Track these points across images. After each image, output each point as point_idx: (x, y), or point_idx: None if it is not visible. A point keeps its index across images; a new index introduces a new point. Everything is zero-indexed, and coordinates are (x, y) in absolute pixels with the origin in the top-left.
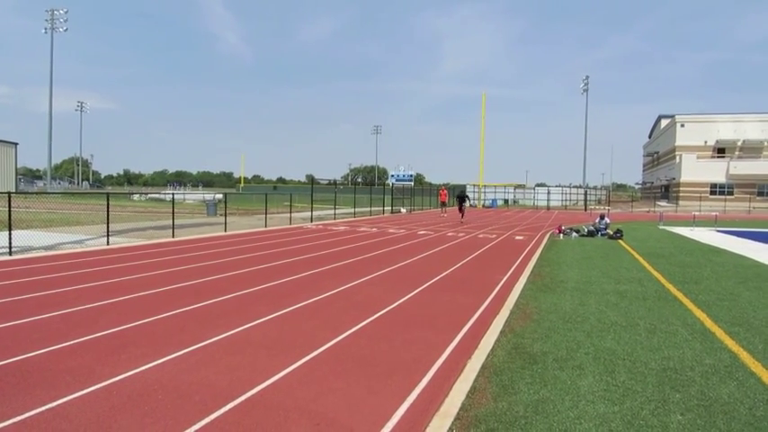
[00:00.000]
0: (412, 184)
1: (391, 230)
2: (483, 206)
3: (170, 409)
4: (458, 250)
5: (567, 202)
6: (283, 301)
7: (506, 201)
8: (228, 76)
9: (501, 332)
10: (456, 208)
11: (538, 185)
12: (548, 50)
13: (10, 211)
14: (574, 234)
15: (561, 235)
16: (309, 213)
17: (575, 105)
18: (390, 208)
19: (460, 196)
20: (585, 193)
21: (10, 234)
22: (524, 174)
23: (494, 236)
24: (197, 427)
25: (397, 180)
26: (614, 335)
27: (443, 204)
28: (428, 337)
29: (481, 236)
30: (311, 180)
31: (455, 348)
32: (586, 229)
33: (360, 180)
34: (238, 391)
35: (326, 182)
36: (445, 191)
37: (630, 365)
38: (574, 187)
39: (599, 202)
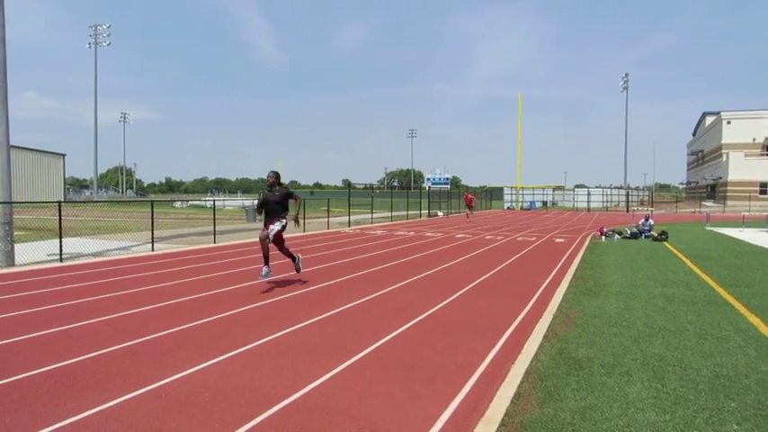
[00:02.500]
0: (448, 187)
1: (428, 234)
2: (521, 208)
3: (217, 411)
4: (496, 254)
5: (608, 204)
6: (324, 305)
7: (545, 203)
8: (265, 83)
9: (544, 337)
10: (472, 211)
11: (577, 187)
12: (584, 49)
13: (60, 219)
14: (616, 236)
15: (603, 237)
16: (347, 218)
17: (614, 104)
18: (427, 211)
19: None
20: (627, 194)
21: (60, 241)
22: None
23: (533, 239)
24: (243, 429)
25: (433, 183)
26: (663, 340)
27: (470, 208)
28: (469, 341)
29: (520, 239)
30: (348, 185)
31: (498, 353)
32: (629, 231)
33: (396, 184)
34: (282, 394)
35: (363, 186)
36: (470, 195)
37: (681, 372)
38: (615, 188)
39: (641, 203)
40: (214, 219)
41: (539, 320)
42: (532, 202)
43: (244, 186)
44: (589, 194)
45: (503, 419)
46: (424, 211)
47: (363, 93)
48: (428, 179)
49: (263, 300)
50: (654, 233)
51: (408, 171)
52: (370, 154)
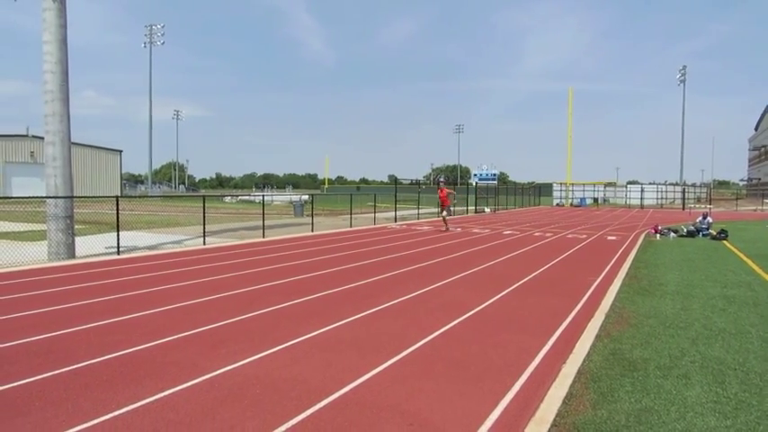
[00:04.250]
0: (496, 183)
1: (475, 230)
2: (571, 205)
3: (268, 403)
4: (546, 251)
5: (663, 201)
6: (371, 300)
7: (596, 199)
8: (313, 80)
9: (597, 337)
10: (449, 213)
11: (630, 183)
12: (637, 42)
13: (118, 213)
14: (672, 234)
15: (658, 235)
16: (393, 213)
17: (669, 98)
18: (474, 207)
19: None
20: (684, 191)
21: (118, 235)
22: (615, 171)
23: (584, 236)
24: (294, 422)
25: (480, 179)
26: (723, 343)
27: (445, 209)
28: (519, 340)
29: (570, 236)
30: (394, 180)
31: (548, 352)
32: (686, 229)
33: (442, 180)
34: (332, 388)
35: (409, 182)
36: (446, 190)
37: (743, 376)
38: (670, 185)
39: (698, 200)
40: (263, 214)
41: (590, 320)
42: (583, 199)
43: (291, 181)
44: (642, 191)
45: (554, 420)
46: (471, 208)
47: (410, 88)
48: (475, 175)
49: (311, 294)
50: (712, 231)
51: (455, 167)
52: (417, 149)
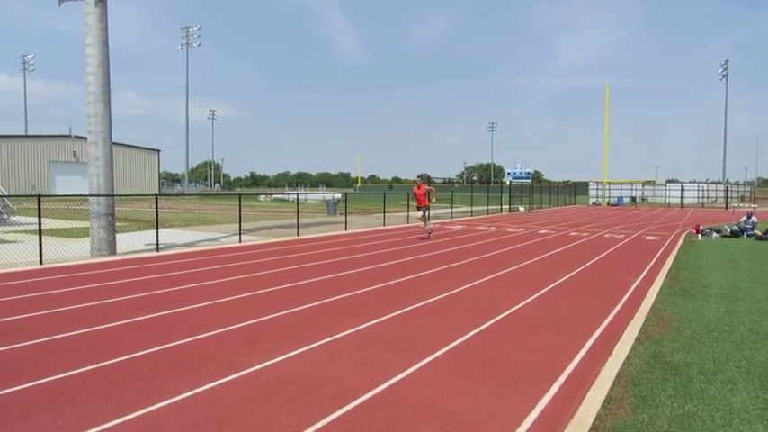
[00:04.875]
0: (530, 181)
1: (510, 229)
2: (608, 204)
3: (304, 399)
4: (583, 251)
5: (704, 200)
6: (405, 299)
7: (633, 198)
8: (345, 79)
9: (636, 339)
10: (427, 213)
11: (669, 182)
12: (676, 35)
13: (157, 211)
14: (714, 234)
15: (699, 235)
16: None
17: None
18: (508, 206)
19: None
20: (726, 190)
21: (157, 232)
22: (653, 169)
23: (621, 236)
24: (330, 419)
25: (514, 178)
26: None
27: (423, 209)
28: (556, 341)
29: (607, 236)
30: (427, 179)
31: (586, 354)
32: (729, 229)
33: (475, 178)
34: (367, 386)
35: (442, 180)
36: (424, 186)
37: None
38: (712, 183)
39: (742, 198)
40: (297, 212)
41: (630, 322)
42: (620, 198)
43: (324, 180)
44: (683, 190)
45: (593, 423)
46: (505, 207)
47: (442, 86)
48: (508, 173)
49: (345, 292)
50: (757, 232)
51: (488, 165)
52: (449, 148)
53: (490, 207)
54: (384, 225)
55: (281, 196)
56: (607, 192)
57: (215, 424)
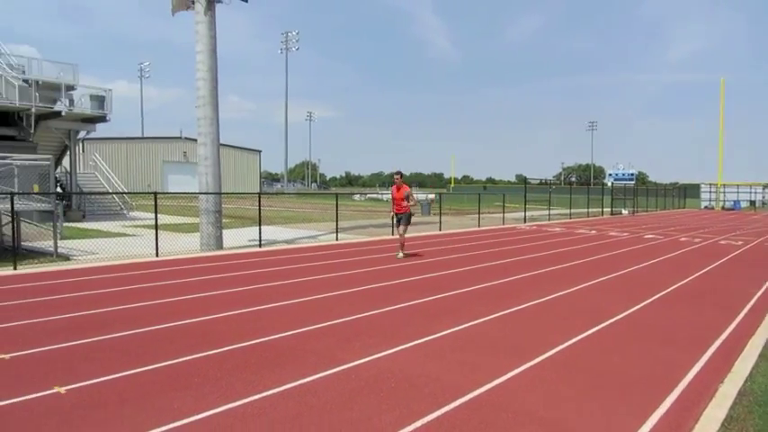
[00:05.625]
0: (633, 183)
1: (612, 233)
2: (722, 208)
3: (402, 398)
4: (695, 257)
5: None
6: (505, 301)
7: (752, 202)
8: (438, 79)
9: (760, 356)
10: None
11: None
12: None
13: (260, 209)
14: None
15: None
16: (522, 214)
17: None
18: (609, 209)
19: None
20: None
21: (260, 229)
22: None
23: (739, 242)
24: (429, 418)
25: (615, 179)
26: None
27: (401, 217)
28: (667, 353)
29: (723, 242)
30: (523, 180)
31: (702, 369)
32: None
33: (573, 179)
34: (466, 388)
35: (538, 181)
36: (405, 187)
37: None
38: None
39: None
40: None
41: (752, 336)
42: (737, 202)
43: (417, 180)
44: None
45: None
46: (606, 209)
47: (538, 85)
48: (610, 175)
49: (443, 292)
50: None
51: (588, 166)
52: (546, 148)
53: (590, 209)
54: (479, 226)
55: (374, 195)
56: (721, 195)
57: (318, 415)
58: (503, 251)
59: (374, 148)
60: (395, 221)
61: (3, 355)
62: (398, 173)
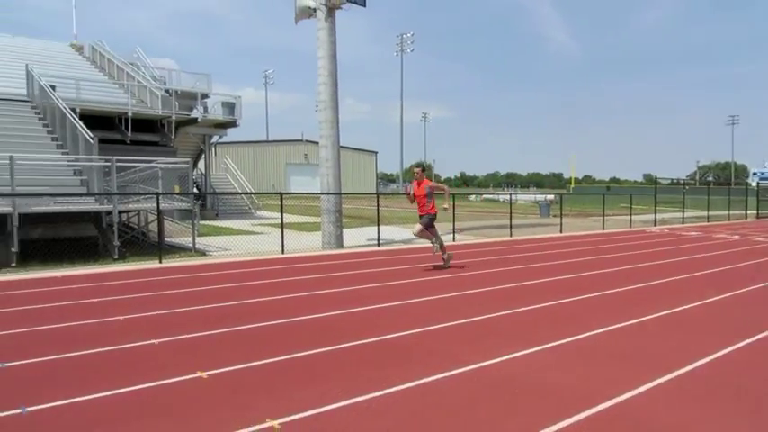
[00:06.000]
0: None
1: (759, 239)
2: None
3: (527, 404)
4: None
5: None
6: (637, 308)
7: None
8: (557, 76)
9: None
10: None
11: None
12: None
13: (378, 209)
14: None
15: None
16: (651, 216)
17: None
18: (755, 212)
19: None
20: None
21: (378, 228)
22: None
23: None
24: (555, 428)
25: (761, 179)
26: None
27: (424, 220)
28: None
29: None
30: (653, 180)
31: None
32: None
33: (711, 179)
34: (594, 399)
35: (669, 181)
36: (428, 183)
37: None
38: None
39: None
40: (510, 213)
41: None
42: None
43: (534, 181)
44: None
45: None
46: (751, 212)
47: (667, 77)
48: (754, 174)
49: (568, 296)
50: None
51: (727, 164)
52: (677, 145)
53: (732, 212)
54: (603, 229)
55: (490, 196)
56: None
57: (444, 415)
58: (633, 255)
59: (490, 147)
60: (417, 226)
61: (153, 341)
62: (419, 165)
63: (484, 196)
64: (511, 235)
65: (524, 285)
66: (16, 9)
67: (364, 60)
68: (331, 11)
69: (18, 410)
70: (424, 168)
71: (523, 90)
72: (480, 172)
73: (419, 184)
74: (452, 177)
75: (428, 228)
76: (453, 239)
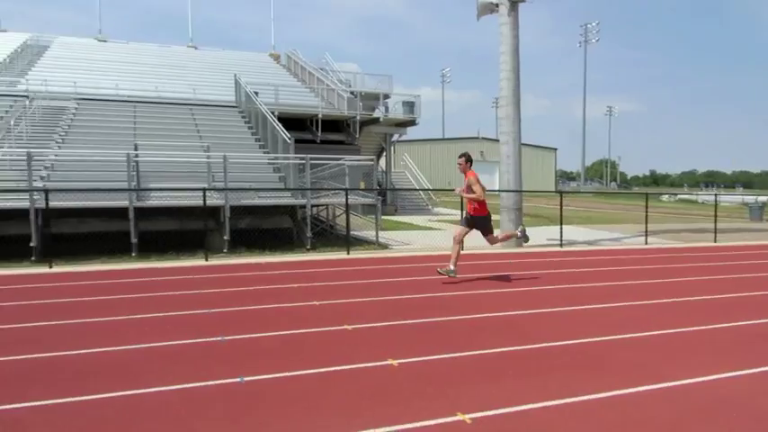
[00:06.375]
0: None
1: None
2: None
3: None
4: None
5: None
6: None
7: None
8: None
9: None
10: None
11: None
12: None
13: (561, 208)
14: None
15: None
16: None
17: None
18: None
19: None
20: None
21: (561, 228)
22: None
23: None
24: None
25: None
26: None
27: (477, 220)
28: None
29: None
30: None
31: None
32: None
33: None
34: None
35: None
36: (471, 174)
37: None
38: None
39: None
40: (715, 215)
41: None
42: None
43: (741, 180)
44: None
45: None
46: None
47: None
48: None
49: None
50: None
51: None
52: None
53: None
54: None
55: (687, 196)
56: None
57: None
58: None
59: (684, 143)
60: (457, 228)
61: (346, 326)
62: (462, 155)
63: (679, 196)
64: (715, 240)
65: (732, 298)
66: (225, 28)
67: (543, 53)
68: (514, 5)
69: (237, 379)
70: (469, 159)
71: (726, 77)
72: (673, 170)
73: (466, 176)
74: (640, 176)
75: (486, 233)
76: (645, 242)
